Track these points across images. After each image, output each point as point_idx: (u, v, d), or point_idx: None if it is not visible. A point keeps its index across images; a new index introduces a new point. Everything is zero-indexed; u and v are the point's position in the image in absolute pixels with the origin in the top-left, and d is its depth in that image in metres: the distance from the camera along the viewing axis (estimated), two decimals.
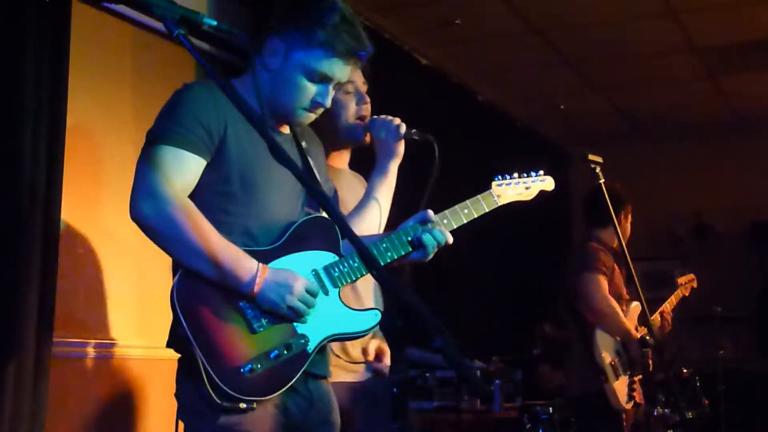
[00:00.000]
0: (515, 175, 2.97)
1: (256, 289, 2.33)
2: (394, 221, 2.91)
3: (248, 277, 2.33)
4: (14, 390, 3.56)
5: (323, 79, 2.53)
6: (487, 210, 2.84)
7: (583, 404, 4.83)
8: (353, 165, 3.36)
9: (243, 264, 2.34)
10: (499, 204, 2.89)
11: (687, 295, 5.14)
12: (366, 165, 3.16)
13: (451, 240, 2.70)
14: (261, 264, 2.36)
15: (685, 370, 5.42)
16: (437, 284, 6.96)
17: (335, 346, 3.04)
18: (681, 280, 5.16)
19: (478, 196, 2.85)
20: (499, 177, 2.94)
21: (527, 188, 2.99)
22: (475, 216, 2.82)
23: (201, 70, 4.65)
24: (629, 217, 4.98)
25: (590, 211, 4.95)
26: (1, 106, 3.67)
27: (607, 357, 4.58)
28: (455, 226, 2.76)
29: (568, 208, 9.25)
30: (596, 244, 4.82)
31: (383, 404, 3.35)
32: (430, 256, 2.68)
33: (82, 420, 4.20)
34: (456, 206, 2.79)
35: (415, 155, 3.06)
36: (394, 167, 3.00)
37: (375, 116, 3.08)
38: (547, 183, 3.06)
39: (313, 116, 2.61)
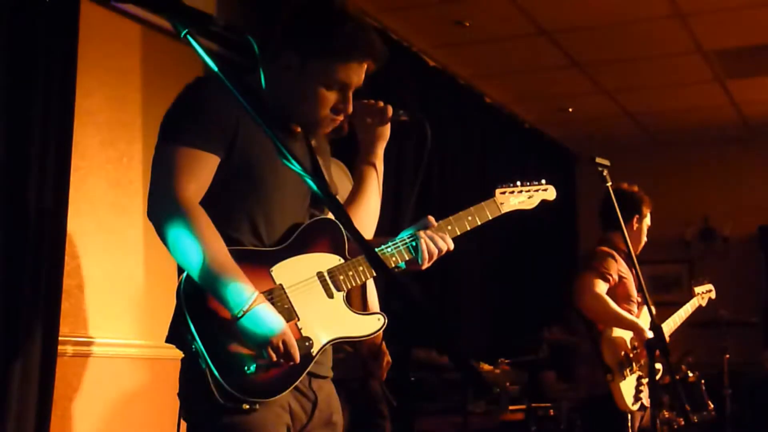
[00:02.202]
0: (518, 183, 2.97)
1: (240, 315, 2.29)
2: (386, 208, 2.90)
3: (238, 302, 2.29)
4: (20, 388, 3.57)
5: (342, 87, 2.52)
6: (490, 218, 2.84)
7: (589, 406, 4.82)
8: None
9: (235, 291, 2.29)
10: (502, 212, 2.89)
11: (704, 305, 5.12)
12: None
13: (452, 247, 2.69)
14: (256, 295, 2.32)
15: (690, 374, 5.39)
16: (444, 287, 6.96)
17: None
18: (698, 289, 5.14)
19: (482, 203, 2.85)
20: (502, 185, 2.93)
21: (530, 197, 2.99)
22: (479, 223, 2.81)
23: (209, 70, 4.65)
24: (644, 221, 4.95)
25: (603, 214, 4.94)
26: (11, 104, 3.68)
27: (615, 356, 4.58)
28: (459, 233, 2.76)
29: (574, 210, 9.24)
30: (605, 248, 4.82)
31: (376, 405, 3.37)
32: (428, 263, 2.67)
33: (86, 418, 4.20)
34: (460, 213, 2.78)
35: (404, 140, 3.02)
36: (381, 152, 2.92)
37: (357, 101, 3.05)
38: (549, 192, 3.06)
39: (335, 124, 2.61)
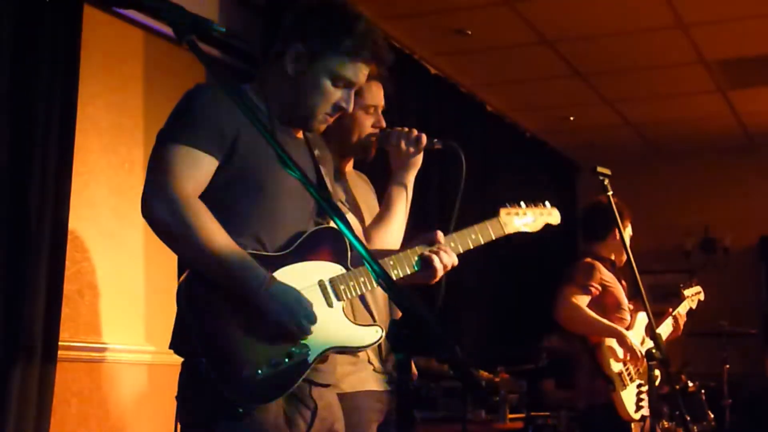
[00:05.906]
0: (523, 204, 3.01)
1: (262, 301, 2.32)
2: (408, 232, 2.95)
3: (255, 286, 2.32)
4: (19, 393, 3.57)
5: (347, 84, 2.55)
6: (493, 237, 2.89)
7: (590, 416, 4.82)
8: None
9: (251, 272, 2.33)
10: (506, 233, 2.94)
11: (694, 308, 5.12)
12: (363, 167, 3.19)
13: (457, 262, 2.72)
14: (269, 275, 2.35)
15: (690, 384, 5.39)
16: (444, 295, 6.94)
17: (370, 352, 3.04)
18: (687, 292, 5.14)
19: (486, 222, 2.89)
20: (508, 204, 2.97)
21: (534, 220, 3.04)
22: (482, 242, 2.86)
23: (211, 76, 4.66)
24: (625, 232, 4.96)
25: (586, 225, 4.99)
26: (13, 109, 3.68)
27: (615, 366, 4.58)
28: (462, 251, 2.79)
29: (575, 219, 9.22)
30: (587, 259, 4.82)
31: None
32: (436, 278, 2.70)
33: (85, 423, 4.20)
34: (464, 230, 2.82)
35: (428, 165, 3.10)
36: (412, 178, 3.04)
37: (392, 128, 3.09)
38: (554, 217, 3.12)
39: (330, 121, 2.62)
